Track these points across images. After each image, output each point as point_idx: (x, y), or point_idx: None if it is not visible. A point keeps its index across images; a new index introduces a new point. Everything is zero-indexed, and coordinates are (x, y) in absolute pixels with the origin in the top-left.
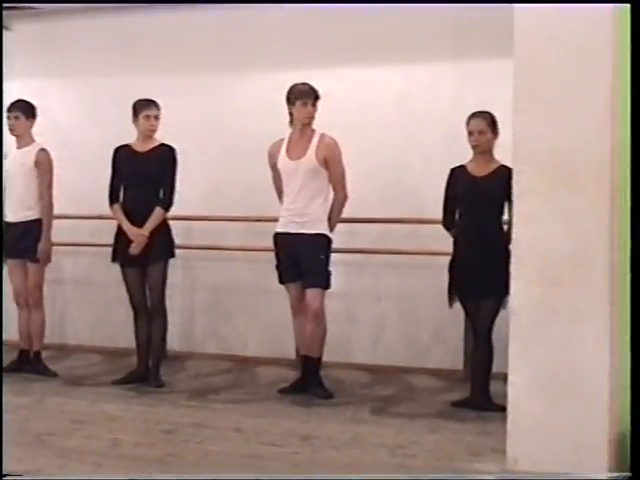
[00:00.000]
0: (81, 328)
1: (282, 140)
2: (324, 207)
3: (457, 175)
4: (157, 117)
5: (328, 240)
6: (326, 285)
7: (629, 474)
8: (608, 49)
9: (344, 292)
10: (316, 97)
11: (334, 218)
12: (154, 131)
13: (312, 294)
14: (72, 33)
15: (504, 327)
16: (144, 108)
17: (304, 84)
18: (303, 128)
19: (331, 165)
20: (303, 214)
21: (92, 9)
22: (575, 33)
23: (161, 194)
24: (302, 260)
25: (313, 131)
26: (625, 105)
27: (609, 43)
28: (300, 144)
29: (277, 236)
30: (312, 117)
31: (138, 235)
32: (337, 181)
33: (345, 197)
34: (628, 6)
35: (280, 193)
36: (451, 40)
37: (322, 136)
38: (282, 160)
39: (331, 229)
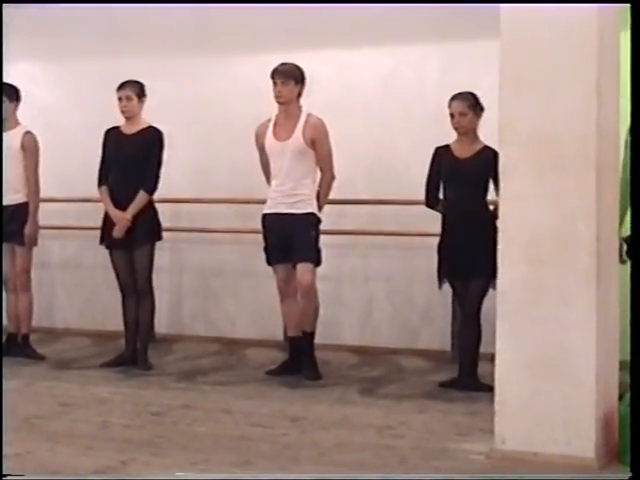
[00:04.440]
0: (69, 311)
1: (269, 121)
2: (312, 188)
3: (441, 155)
4: (129, 98)
5: (318, 219)
6: (317, 261)
7: (629, 474)
8: (594, 30)
9: (332, 274)
10: (291, 77)
11: (322, 198)
12: (126, 112)
13: (303, 270)
14: (57, 16)
15: (492, 307)
16: (117, 90)
17: (283, 64)
18: (288, 108)
19: (318, 145)
20: (292, 195)
21: None
22: (562, 13)
23: (146, 177)
24: (292, 238)
25: (300, 111)
26: (611, 86)
27: (595, 24)
28: (287, 125)
29: (266, 217)
30: (281, 96)
31: (121, 218)
32: (324, 161)
33: (333, 177)
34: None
35: (268, 174)
36: (437, 21)
37: (309, 116)
38: (269, 141)
39: (319, 209)
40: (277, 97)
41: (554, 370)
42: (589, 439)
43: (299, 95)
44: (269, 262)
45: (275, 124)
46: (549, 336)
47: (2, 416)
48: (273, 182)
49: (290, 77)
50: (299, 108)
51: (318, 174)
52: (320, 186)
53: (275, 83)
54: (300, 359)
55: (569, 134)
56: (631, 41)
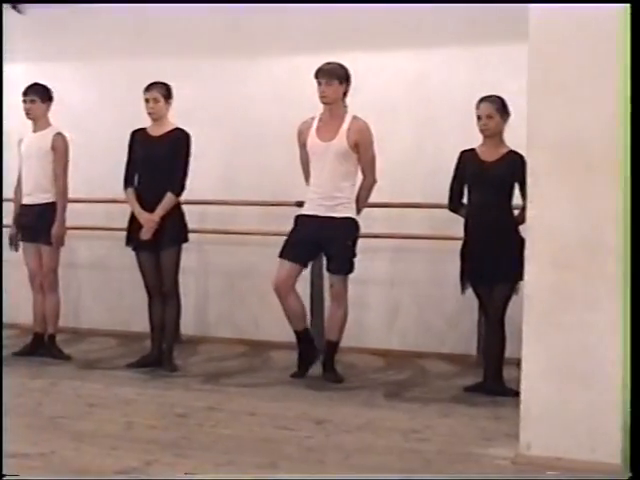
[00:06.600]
0: (95, 312)
1: (313, 119)
2: (352, 190)
3: (466, 159)
4: (156, 100)
5: (356, 225)
6: (349, 271)
7: (629, 474)
8: (623, 33)
9: (358, 277)
10: (335, 77)
11: (362, 202)
12: (152, 114)
13: (334, 279)
14: (85, 16)
15: (518, 312)
16: (144, 91)
17: (327, 63)
18: (332, 108)
19: (362, 149)
20: (332, 197)
21: None
22: (590, 18)
23: (173, 179)
24: (328, 245)
25: (345, 112)
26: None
27: (624, 27)
28: (331, 125)
29: (301, 217)
30: (326, 96)
31: (148, 220)
32: (367, 165)
33: (374, 181)
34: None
35: (307, 173)
36: (466, 24)
37: (354, 119)
38: (311, 140)
39: (358, 213)
40: (321, 97)
41: (580, 376)
42: (615, 445)
43: (344, 95)
44: (282, 254)
45: (319, 122)
46: (575, 341)
47: (2, 416)
48: (312, 182)
49: (334, 77)
50: (344, 108)
51: (359, 177)
52: (360, 189)
53: (319, 83)
54: (311, 348)
55: (597, 137)
56: (631, 41)
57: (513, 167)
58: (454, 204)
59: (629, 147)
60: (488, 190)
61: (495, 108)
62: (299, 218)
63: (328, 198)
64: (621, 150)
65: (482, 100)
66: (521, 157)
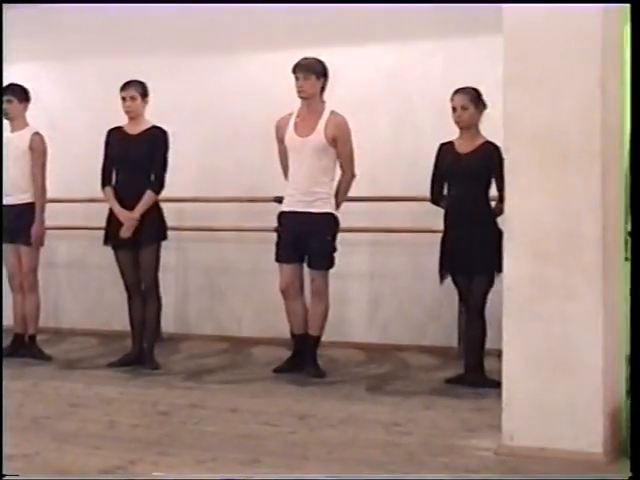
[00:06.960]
0: (76, 311)
1: (291, 114)
2: (331, 186)
3: (445, 151)
4: (133, 98)
5: (335, 219)
6: (329, 266)
7: (630, 474)
8: (598, 25)
9: (338, 271)
10: (313, 72)
11: (341, 197)
12: (129, 112)
13: (314, 274)
14: (61, 15)
15: (498, 303)
16: (120, 90)
17: (304, 58)
18: (310, 103)
19: (340, 144)
20: (310, 192)
21: None
22: (565, 9)
23: (152, 177)
24: (307, 240)
25: (323, 107)
26: (615, 81)
27: (599, 19)
28: (309, 120)
29: (283, 215)
30: (303, 91)
31: (128, 218)
32: (345, 160)
33: (353, 176)
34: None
35: (285, 168)
36: (441, 17)
37: (332, 114)
38: (289, 136)
39: (337, 207)
40: (299, 92)
41: (561, 366)
42: (597, 434)
43: (322, 90)
44: (278, 259)
45: (297, 117)
46: (556, 332)
47: (2, 416)
48: (291, 178)
49: (311, 71)
50: (322, 103)
51: (338, 172)
52: (339, 184)
53: (297, 78)
54: (305, 354)
55: (574, 130)
56: (631, 41)
57: (489, 158)
58: (435, 197)
59: (607, 139)
60: (465, 182)
61: (469, 99)
62: (281, 216)
63: (307, 193)
64: (598, 141)
65: (456, 92)
66: (496, 147)
